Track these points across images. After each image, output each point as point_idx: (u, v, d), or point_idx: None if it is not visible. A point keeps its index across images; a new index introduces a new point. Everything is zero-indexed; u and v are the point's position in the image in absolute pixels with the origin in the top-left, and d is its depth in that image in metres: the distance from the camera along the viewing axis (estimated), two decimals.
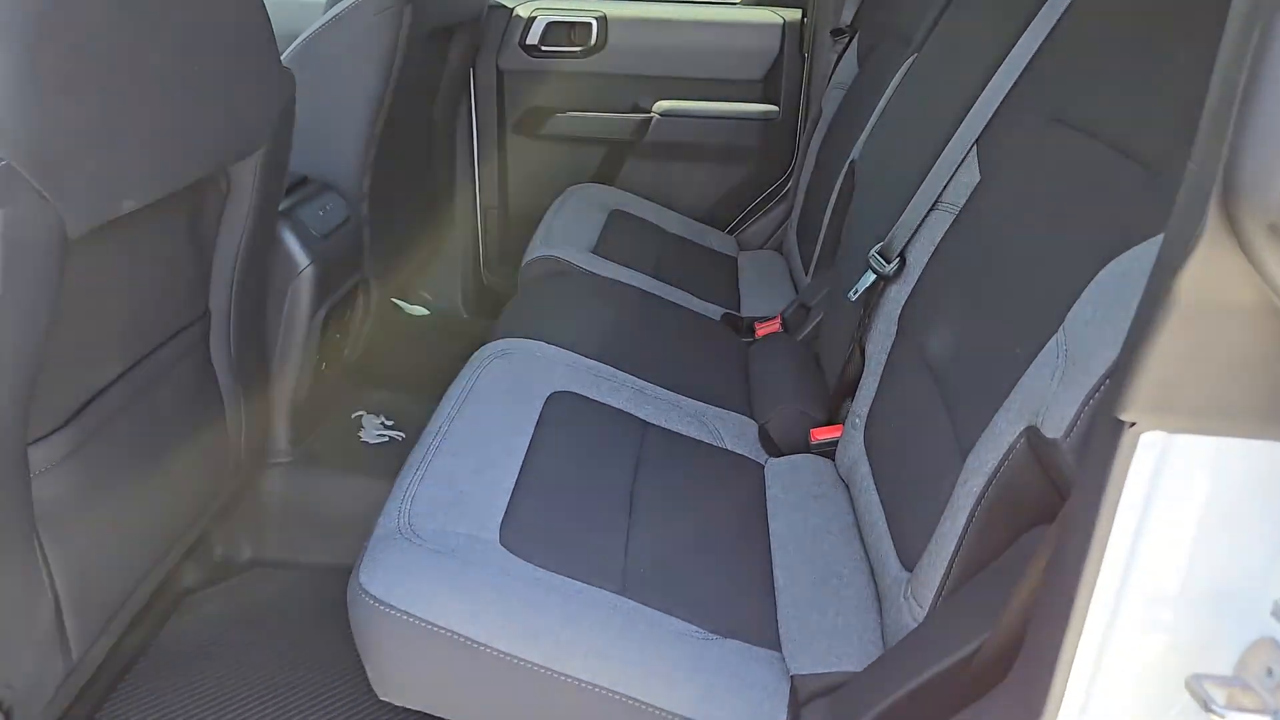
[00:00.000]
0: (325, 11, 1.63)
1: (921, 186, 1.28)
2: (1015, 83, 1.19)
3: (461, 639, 0.89)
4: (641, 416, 1.39)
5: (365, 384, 2.08)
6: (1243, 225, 0.49)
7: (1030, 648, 0.71)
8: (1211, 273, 0.52)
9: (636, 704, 0.91)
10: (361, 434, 1.80)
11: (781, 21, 2.43)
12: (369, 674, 0.96)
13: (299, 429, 1.69)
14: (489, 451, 1.17)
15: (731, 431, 1.44)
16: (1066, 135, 1.06)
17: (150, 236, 1.08)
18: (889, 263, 1.28)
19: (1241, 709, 0.57)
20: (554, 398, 1.35)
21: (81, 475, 1.05)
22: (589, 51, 2.46)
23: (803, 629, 1.05)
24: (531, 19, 2.44)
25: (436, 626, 0.89)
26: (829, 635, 1.05)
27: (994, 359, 0.98)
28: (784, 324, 1.86)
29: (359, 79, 1.64)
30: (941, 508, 0.97)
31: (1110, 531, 0.63)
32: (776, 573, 1.15)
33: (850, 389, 1.40)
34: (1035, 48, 1.18)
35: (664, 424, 1.39)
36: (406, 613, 0.90)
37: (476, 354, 1.44)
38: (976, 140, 1.20)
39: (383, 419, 1.85)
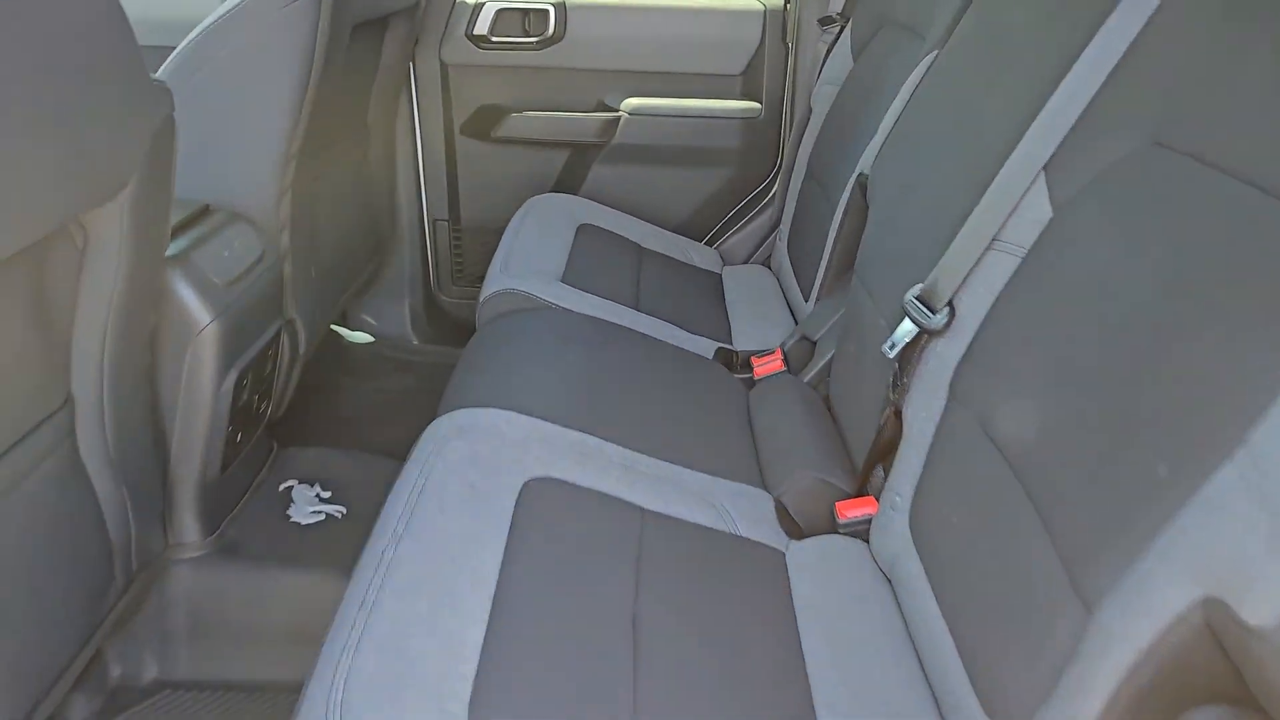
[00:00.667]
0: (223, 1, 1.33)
1: (971, 218, 1.03)
2: (1097, 93, 0.95)
3: None
4: (637, 502, 1.13)
5: (297, 438, 1.78)
6: None
7: None
8: None
9: None
10: (292, 511, 1.51)
11: (762, 8, 2.16)
12: None
13: (212, 514, 1.40)
14: (449, 583, 0.90)
15: (744, 511, 1.18)
16: (1181, 166, 0.82)
17: None
18: (935, 312, 1.04)
19: None
20: (530, 488, 1.08)
21: None
22: (546, 42, 2.17)
23: None
24: (479, 6, 2.14)
25: None
26: None
27: (1112, 471, 0.74)
28: (785, 359, 1.61)
29: (270, 84, 1.34)
30: (1058, 665, 0.73)
31: None
32: (820, 711, 0.91)
33: (883, 456, 1.16)
34: (1123, 47, 0.93)
35: (664, 509, 1.14)
36: None
37: (429, 431, 1.16)
38: (1045, 166, 0.96)
39: (318, 490, 1.56)
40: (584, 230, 1.98)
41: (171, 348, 1.22)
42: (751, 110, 2.20)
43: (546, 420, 1.21)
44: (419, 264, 2.39)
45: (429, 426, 1.17)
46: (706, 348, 1.65)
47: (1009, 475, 0.88)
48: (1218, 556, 0.60)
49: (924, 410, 1.05)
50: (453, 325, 2.48)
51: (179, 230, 1.26)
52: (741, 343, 1.72)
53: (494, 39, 2.16)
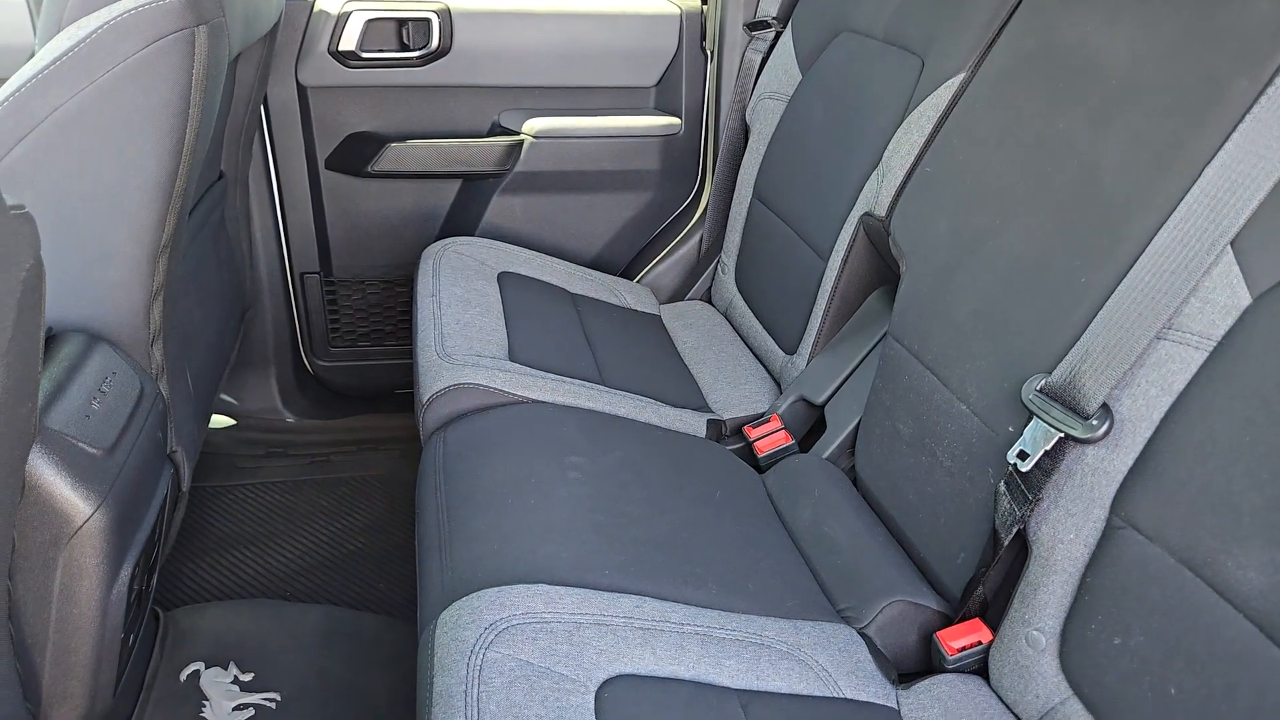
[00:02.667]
0: (40, 46, 0.92)
1: (1118, 297, 0.86)
2: None
3: None
4: (724, 683, 0.89)
5: (176, 588, 1.38)
6: None
7: None
8: None
9: None
10: (208, 712, 1.13)
11: (679, 12, 1.92)
12: None
13: None
14: None
15: (837, 662, 0.97)
16: None
17: None
18: (1085, 416, 0.86)
19: None
20: (605, 697, 0.81)
21: None
22: (429, 57, 1.82)
23: None
24: (345, 16, 1.75)
25: None
26: None
27: None
28: (784, 427, 1.42)
29: (131, 152, 0.95)
30: None
31: None
32: None
33: (986, 571, 0.99)
34: None
35: (756, 683, 0.91)
36: None
37: (446, 632, 0.85)
38: (1233, 240, 0.80)
39: (234, 672, 1.19)
40: (507, 282, 1.67)
41: (35, 560, 0.83)
42: (671, 126, 1.96)
43: (588, 588, 0.93)
44: (285, 327, 1.97)
45: (441, 624, 0.86)
46: (695, 422, 1.42)
47: (1264, 642, 0.71)
48: None
49: (1071, 532, 0.88)
50: (331, 395, 2.09)
51: None
52: (723, 408, 1.50)
53: (364, 55, 1.78)
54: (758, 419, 1.46)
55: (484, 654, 0.82)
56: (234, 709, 1.13)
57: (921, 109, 1.25)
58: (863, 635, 1.03)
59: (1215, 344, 0.79)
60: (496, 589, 0.90)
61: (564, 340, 1.53)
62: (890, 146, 1.30)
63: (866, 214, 1.33)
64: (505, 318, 1.53)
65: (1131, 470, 0.84)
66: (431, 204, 1.96)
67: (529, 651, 0.83)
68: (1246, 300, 0.78)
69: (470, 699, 0.77)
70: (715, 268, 1.90)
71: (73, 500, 0.83)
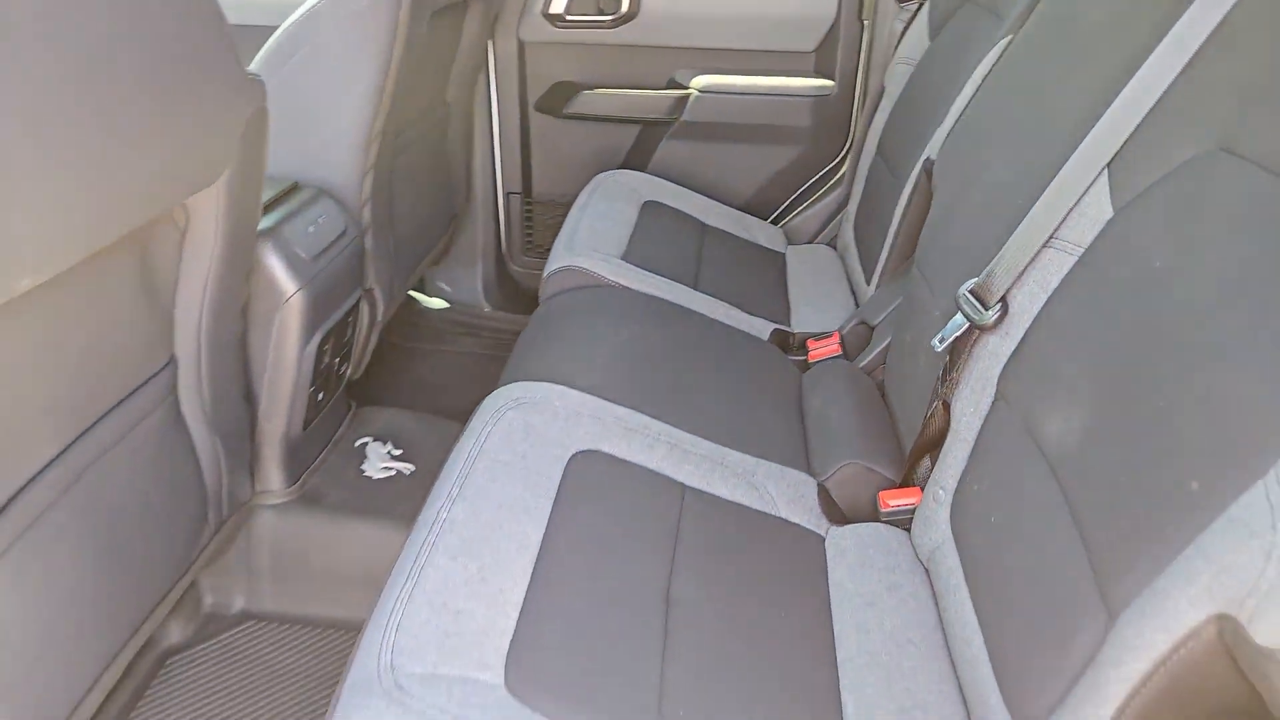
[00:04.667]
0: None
1: (1030, 214, 1.03)
2: (1165, 93, 0.93)
3: None
4: (679, 479, 1.18)
5: (373, 399, 1.89)
6: None
7: None
8: None
9: None
10: (365, 466, 1.61)
11: None
12: None
13: (294, 466, 1.51)
14: (496, 547, 0.97)
15: (785, 493, 1.22)
16: (1245, 173, 0.81)
17: (80, 298, 0.88)
18: (987, 308, 1.05)
19: None
20: (578, 460, 1.14)
21: (15, 577, 0.87)
22: (619, 21, 2.19)
23: None
24: None
25: None
26: None
27: (1147, 482, 0.75)
28: (842, 343, 1.63)
29: (353, 71, 1.41)
30: (1077, 670, 0.75)
31: None
32: (845, 698, 0.95)
33: (930, 448, 1.18)
34: (1194, 46, 0.92)
35: (705, 486, 1.18)
36: None
37: (488, 401, 1.22)
38: (1108, 164, 0.95)
39: (390, 447, 1.66)
40: (648, 207, 2.01)
41: (261, 315, 1.31)
42: (823, 88, 2.18)
43: (597, 396, 1.26)
44: (491, 234, 2.47)
45: (488, 397, 1.24)
46: (762, 329, 1.68)
47: (1049, 478, 0.89)
48: (1235, 575, 0.61)
49: (972, 406, 1.07)
50: (521, 294, 2.56)
51: (270, 206, 1.35)
52: (799, 324, 1.74)
53: (569, 17, 2.19)
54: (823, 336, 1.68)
55: (504, 413, 1.18)
56: (382, 467, 1.61)
57: (981, 66, 1.41)
58: (820, 486, 1.26)
59: (1084, 250, 0.95)
60: (531, 383, 1.25)
61: (676, 253, 1.84)
62: (956, 101, 1.47)
63: (928, 158, 1.51)
64: (633, 231, 1.87)
65: (1012, 355, 1.01)
66: (614, 143, 2.34)
67: (535, 418, 1.18)
68: (1109, 213, 0.93)
69: (483, 432, 1.13)
70: (841, 216, 2.10)
71: (285, 281, 1.30)
